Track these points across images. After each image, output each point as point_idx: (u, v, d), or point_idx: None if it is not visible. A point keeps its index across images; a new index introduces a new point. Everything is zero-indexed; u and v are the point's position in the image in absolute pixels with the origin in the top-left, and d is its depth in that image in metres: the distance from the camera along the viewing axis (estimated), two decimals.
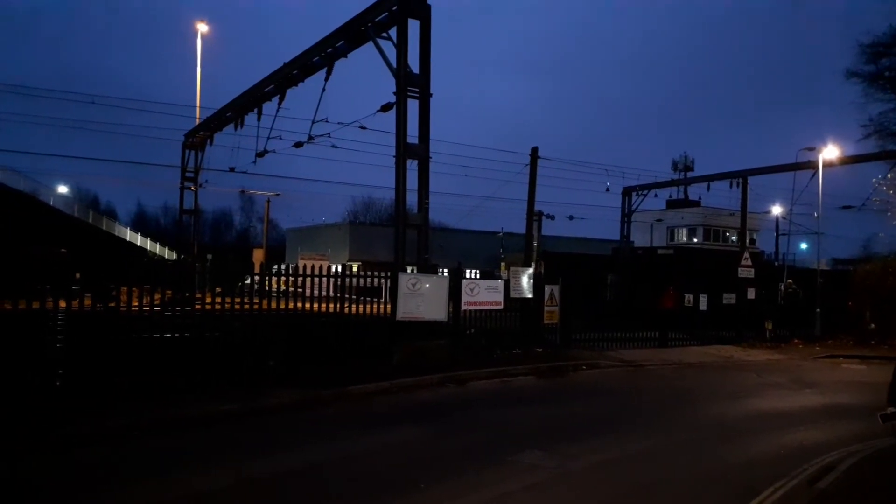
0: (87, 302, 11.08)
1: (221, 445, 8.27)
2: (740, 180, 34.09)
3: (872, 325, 24.34)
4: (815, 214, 27.62)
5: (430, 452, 8.12)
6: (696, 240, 60.67)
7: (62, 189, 53.07)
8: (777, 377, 15.56)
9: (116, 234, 54.61)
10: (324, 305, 14.16)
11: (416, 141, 15.39)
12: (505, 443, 8.44)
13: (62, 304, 10.61)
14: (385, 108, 16.17)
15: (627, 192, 39.29)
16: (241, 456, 7.66)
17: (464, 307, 15.94)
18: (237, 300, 13.35)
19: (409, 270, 15.14)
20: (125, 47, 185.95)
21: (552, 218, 41.11)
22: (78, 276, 11.24)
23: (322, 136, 21.91)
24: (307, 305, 14.18)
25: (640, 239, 51.96)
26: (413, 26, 15.20)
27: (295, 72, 21.30)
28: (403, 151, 15.00)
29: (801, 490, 6.83)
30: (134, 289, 11.85)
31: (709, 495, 6.75)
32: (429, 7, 15.23)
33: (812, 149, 27.65)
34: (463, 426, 9.70)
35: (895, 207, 26.94)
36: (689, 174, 59.71)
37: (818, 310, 24.86)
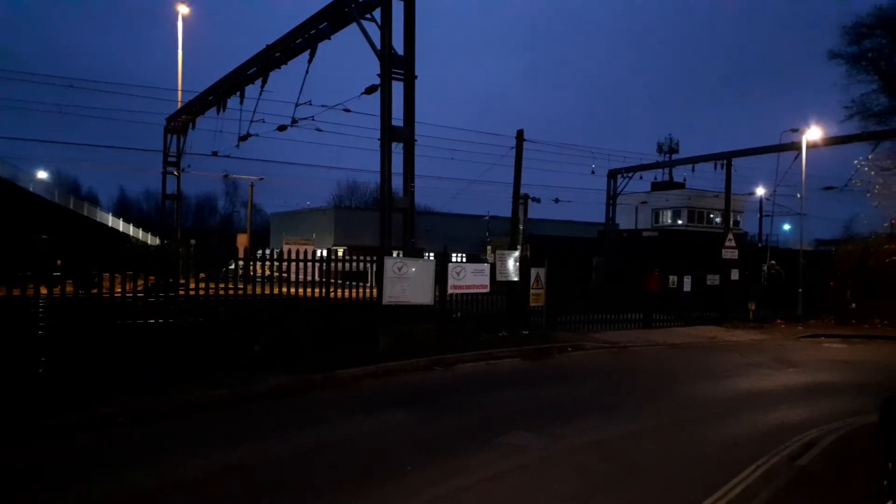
0: (70, 288, 10.94)
1: (209, 432, 8.24)
2: (724, 162, 34.22)
3: (853, 305, 24.71)
4: (799, 196, 27.89)
5: (418, 435, 8.14)
6: (680, 221, 61.06)
7: (42, 174, 52.27)
8: (760, 357, 15.75)
9: (98, 219, 53.98)
10: (309, 290, 14.10)
11: (401, 124, 15.28)
12: (493, 425, 8.48)
13: (43, 290, 10.47)
14: (369, 90, 16.00)
15: (613, 175, 39.32)
16: (230, 442, 7.64)
17: (450, 291, 15.95)
18: (221, 286, 13.24)
19: (394, 254, 15.10)
20: (104, 29, 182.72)
21: (538, 201, 41.08)
22: (59, 262, 11.08)
23: (306, 119, 21.72)
24: (293, 290, 14.10)
25: (625, 221, 52.20)
26: (397, 7, 15.02)
27: (278, 54, 21.01)
28: (388, 134, 14.88)
29: (782, 467, 6.95)
30: (117, 275, 11.71)
31: (694, 473, 6.83)
32: None
33: (796, 130, 27.81)
34: (450, 409, 9.73)
35: (876, 188, 27.20)
36: (674, 156, 60.02)
37: (800, 290, 25.15)
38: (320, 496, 5.99)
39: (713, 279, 23.83)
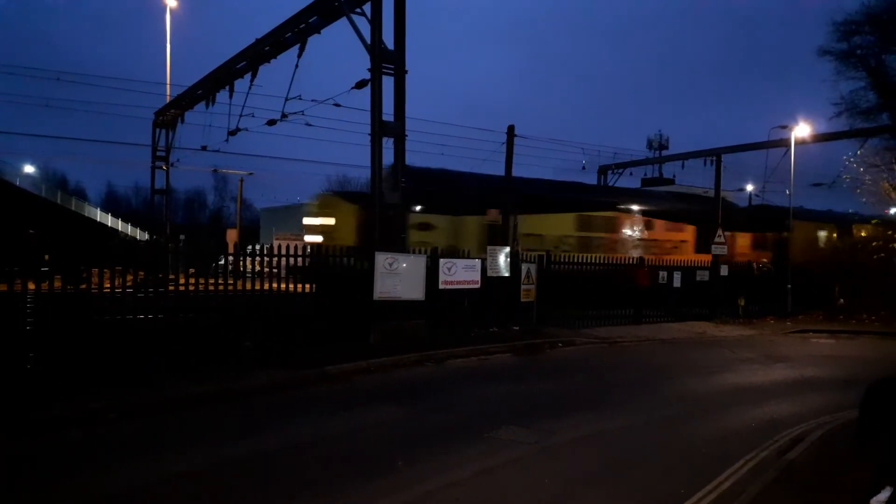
0: (58, 284, 10.84)
1: (199, 427, 8.20)
2: (714, 158, 34.34)
3: (841, 301, 24.93)
4: (787, 192, 28.00)
5: (409, 431, 8.14)
6: None
7: (29, 169, 51.88)
8: (749, 352, 15.85)
9: (86, 214, 53.62)
10: (300, 286, 14.04)
11: (391, 119, 15.22)
12: (484, 420, 8.49)
13: (31, 286, 10.37)
14: (359, 85, 15.94)
15: (603, 171, 39.47)
16: (220, 437, 7.61)
17: (441, 286, 15.92)
18: (211, 281, 13.16)
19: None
20: (92, 22, 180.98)
21: None
22: (47, 257, 10.98)
23: (296, 113, 21.55)
24: (283, 286, 14.04)
25: None
26: (387, 1, 14.95)
27: (267, 48, 20.88)
28: (379, 129, 14.83)
29: (771, 461, 7.00)
30: (105, 270, 11.63)
31: (683, 468, 6.87)
32: None
33: (784, 127, 27.93)
34: (441, 404, 9.74)
35: (865, 184, 27.41)
36: (664, 152, 60.06)
37: (789, 286, 25.32)
38: (311, 491, 5.97)
39: (703, 275, 23.93)
